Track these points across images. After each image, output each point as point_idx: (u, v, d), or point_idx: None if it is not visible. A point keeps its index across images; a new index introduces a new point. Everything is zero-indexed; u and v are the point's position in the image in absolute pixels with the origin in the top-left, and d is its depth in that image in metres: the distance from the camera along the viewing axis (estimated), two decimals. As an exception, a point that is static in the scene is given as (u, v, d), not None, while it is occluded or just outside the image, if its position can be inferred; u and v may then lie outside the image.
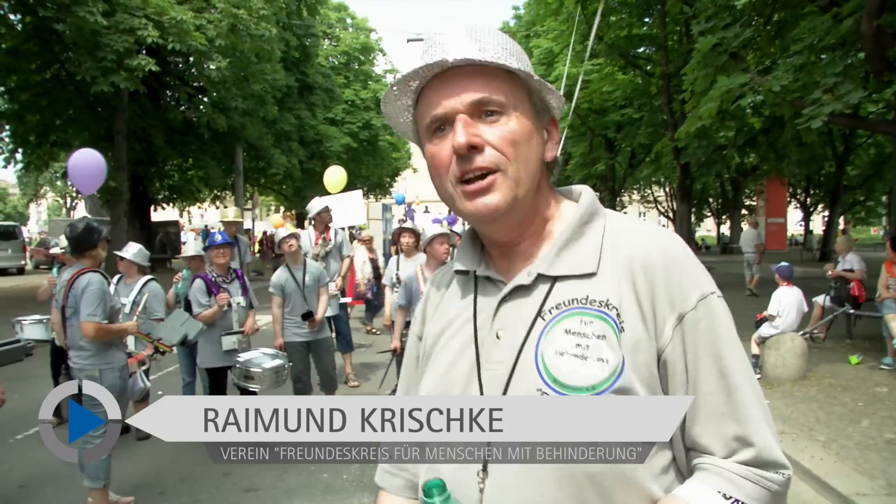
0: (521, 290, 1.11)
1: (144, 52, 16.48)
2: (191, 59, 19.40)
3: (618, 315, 1.03)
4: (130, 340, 5.75)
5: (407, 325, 5.77)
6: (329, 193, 10.79)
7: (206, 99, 21.75)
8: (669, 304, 1.03)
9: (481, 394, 1.08)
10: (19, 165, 21.66)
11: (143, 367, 5.77)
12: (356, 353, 9.09)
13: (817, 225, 42.39)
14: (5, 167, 21.17)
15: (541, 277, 1.10)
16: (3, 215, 53.15)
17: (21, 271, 26.53)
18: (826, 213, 31.23)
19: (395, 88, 1.13)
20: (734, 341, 1.06)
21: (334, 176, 11.31)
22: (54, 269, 7.26)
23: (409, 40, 25.08)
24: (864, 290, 9.96)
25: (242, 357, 5.84)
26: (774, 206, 32.96)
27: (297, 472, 5.43)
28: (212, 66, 18.14)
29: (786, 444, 5.60)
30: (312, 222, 8.59)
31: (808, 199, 34.78)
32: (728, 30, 10.37)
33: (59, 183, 44.17)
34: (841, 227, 32.12)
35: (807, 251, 31.81)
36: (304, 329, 6.46)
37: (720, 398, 1.02)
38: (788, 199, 35.15)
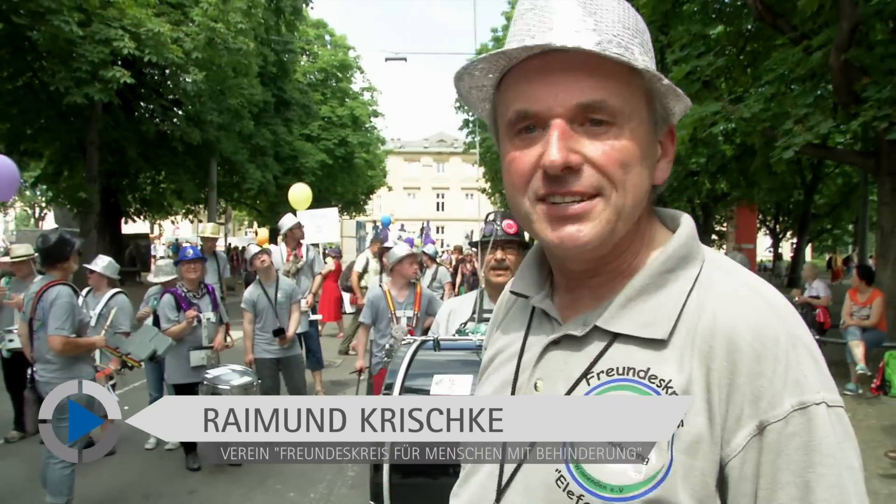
0: (572, 340, 0.91)
1: (120, 63, 16.32)
2: (167, 71, 19.27)
3: None
4: (98, 354, 5.65)
5: (371, 342, 5.78)
6: (290, 210, 10.80)
7: (181, 112, 21.59)
8: (752, 405, 0.77)
9: (503, 449, 0.90)
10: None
11: (111, 382, 5.65)
12: (326, 370, 9.02)
13: (787, 252, 43.24)
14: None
15: (598, 331, 0.89)
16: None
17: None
18: (794, 240, 31.86)
19: (479, 67, 0.89)
20: (838, 474, 0.75)
21: (299, 193, 11.32)
22: (5, 280, 7.10)
23: (387, 59, 25.18)
24: (830, 317, 10.16)
25: (210, 374, 5.76)
26: (744, 232, 33.48)
27: (264, 490, 5.35)
28: (188, 79, 18.03)
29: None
30: (284, 238, 8.55)
31: (778, 226, 35.48)
32: (701, 58, 10.61)
33: (27, 193, 43.37)
34: (808, 255, 32.83)
35: (775, 277, 32.40)
36: (274, 346, 6.41)
37: None
38: (758, 225, 35.81)
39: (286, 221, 8.67)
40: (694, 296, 0.85)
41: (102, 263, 6.28)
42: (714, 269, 0.88)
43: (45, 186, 24.45)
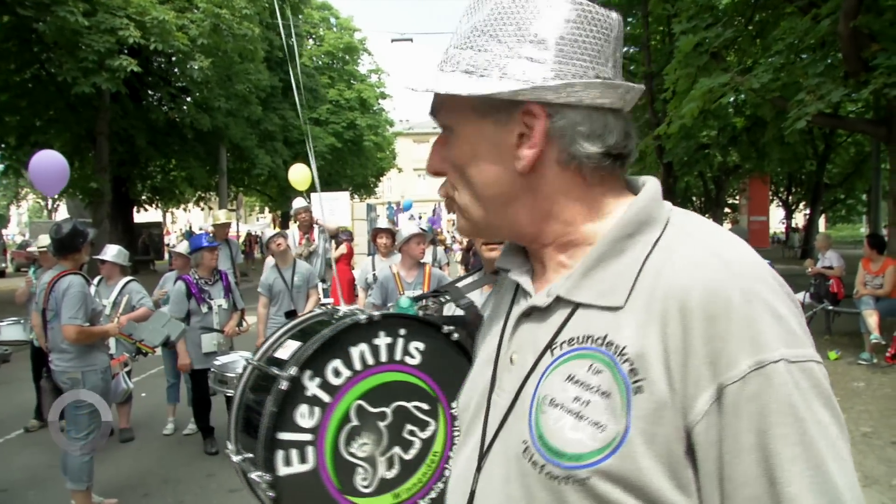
0: (539, 312, 0.92)
1: (126, 52, 16.34)
2: (173, 59, 19.27)
3: (632, 370, 0.77)
4: (112, 342, 5.73)
5: None
6: (301, 193, 10.82)
7: (189, 99, 21.61)
8: (709, 368, 0.74)
9: (485, 421, 0.95)
10: (0, 167, 21.46)
11: (126, 369, 5.74)
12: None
13: (801, 222, 42.91)
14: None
15: (561, 301, 0.89)
16: (-17, 217, 52.50)
17: (1, 274, 26.27)
18: (807, 210, 31.59)
19: None
20: (803, 431, 0.72)
21: (299, 174, 11.34)
22: (31, 270, 7.21)
23: (393, 40, 25.07)
24: (843, 287, 10.10)
25: (220, 360, 5.83)
26: (757, 204, 33.24)
27: (282, 472, 5.42)
28: (194, 66, 18.03)
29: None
30: (297, 222, 8.61)
31: (790, 198, 35.17)
32: (709, 30, 10.48)
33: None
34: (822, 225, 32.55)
35: (789, 248, 32.16)
36: (288, 330, 6.46)
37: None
38: (771, 197, 35.51)
39: (294, 205, 8.73)
40: (653, 260, 0.83)
41: (112, 252, 6.34)
42: (677, 231, 0.86)
43: (57, 178, 24.56)
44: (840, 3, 8.18)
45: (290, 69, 7.13)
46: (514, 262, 1.03)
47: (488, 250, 2.83)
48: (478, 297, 2.92)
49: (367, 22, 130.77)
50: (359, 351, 2.09)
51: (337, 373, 2.08)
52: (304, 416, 2.07)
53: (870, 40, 8.16)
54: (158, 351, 6.05)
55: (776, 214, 43.31)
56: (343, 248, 10.14)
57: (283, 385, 2.03)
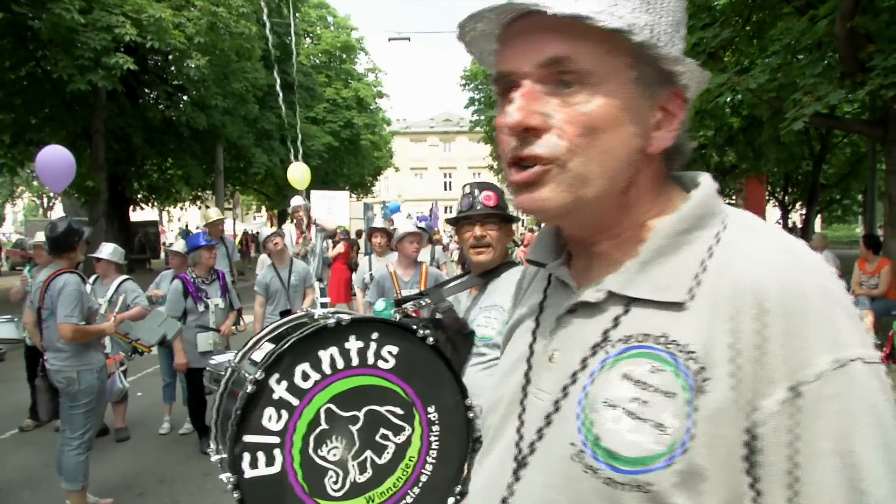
0: (587, 308, 0.87)
1: (122, 50, 16.29)
2: (170, 57, 19.22)
3: (698, 369, 0.74)
4: (108, 341, 5.71)
5: None
6: (298, 191, 10.80)
7: (185, 97, 21.56)
8: (784, 365, 0.71)
9: (521, 423, 0.89)
10: (-6, 165, 21.37)
11: (122, 368, 5.73)
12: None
13: (797, 223, 43.03)
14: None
15: (614, 297, 0.84)
16: (-22, 215, 52.37)
17: (-3, 272, 26.20)
18: (803, 211, 31.66)
19: (477, 31, 0.86)
20: (885, 434, 0.69)
21: (298, 172, 11.33)
22: (27, 268, 7.19)
23: (390, 39, 25.02)
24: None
25: (214, 360, 5.81)
26: (753, 204, 33.28)
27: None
28: (191, 65, 17.99)
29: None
30: (293, 221, 8.60)
31: (787, 198, 35.26)
32: (707, 30, 10.49)
33: (35, 183, 43.57)
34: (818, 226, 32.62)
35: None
36: (284, 329, 6.45)
37: None
38: (767, 197, 35.57)
39: (292, 203, 8.73)
40: (715, 256, 0.80)
41: (108, 250, 6.32)
42: (737, 228, 0.83)
43: (52, 176, 24.47)
44: (837, 4, 8.20)
45: (274, 68, 7.12)
46: (548, 255, 0.98)
47: (476, 253, 2.75)
48: (465, 298, 2.88)
49: (365, 21, 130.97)
50: (328, 355, 2.07)
51: (305, 376, 2.06)
52: (272, 418, 2.06)
53: (866, 41, 8.18)
54: (154, 350, 6.03)
55: (773, 215, 43.38)
56: (340, 247, 10.14)
57: (249, 388, 2.03)
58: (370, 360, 2.09)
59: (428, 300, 2.65)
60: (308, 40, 34.24)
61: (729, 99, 15.21)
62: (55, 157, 8.09)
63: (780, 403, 0.70)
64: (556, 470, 0.81)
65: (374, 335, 2.08)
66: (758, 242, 0.80)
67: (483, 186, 2.79)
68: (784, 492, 0.70)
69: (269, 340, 2.35)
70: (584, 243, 0.91)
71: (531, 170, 0.80)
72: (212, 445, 2.36)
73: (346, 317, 2.08)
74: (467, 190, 2.81)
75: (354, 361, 2.06)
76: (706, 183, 0.88)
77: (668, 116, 0.84)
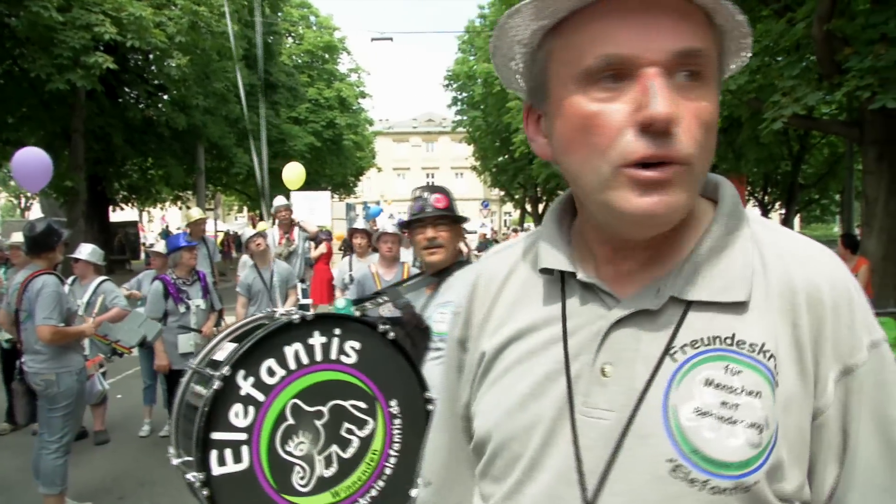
0: (644, 315, 0.82)
1: (102, 49, 16.12)
2: (150, 56, 19.06)
3: (775, 365, 0.77)
4: (87, 343, 5.65)
5: None
6: (289, 191, 10.75)
7: (166, 97, 21.38)
8: (834, 353, 0.78)
9: (576, 444, 0.81)
10: (-29, 165, 21.07)
11: (101, 370, 5.67)
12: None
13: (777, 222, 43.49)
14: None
15: (671, 302, 0.81)
16: (-46, 216, 51.54)
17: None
18: (783, 210, 32.02)
19: (521, 16, 0.78)
20: None
21: (293, 172, 11.27)
22: (1, 270, 7.10)
23: (373, 39, 24.96)
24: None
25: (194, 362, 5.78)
26: (733, 204, 33.76)
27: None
28: (172, 64, 17.84)
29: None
30: (274, 221, 8.56)
31: (766, 198, 35.63)
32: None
33: (12, 183, 42.96)
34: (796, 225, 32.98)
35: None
36: (266, 330, 6.43)
37: (883, 470, 0.79)
38: (747, 196, 35.93)
39: (274, 203, 8.69)
40: (757, 255, 0.82)
41: (87, 251, 6.26)
42: (761, 227, 0.87)
43: (30, 176, 24.18)
44: (814, 6, 8.30)
45: (237, 69, 7.05)
46: (567, 264, 0.89)
47: (429, 254, 2.82)
48: (421, 297, 2.93)
49: (347, 21, 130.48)
50: (293, 350, 2.09)
51: (271, 372, 2.08)
52: (239, 415, 2.07)
53: (843, 44, 8.28)
54: (135, 351, 5.98)
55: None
56: (323, 248, 10.10)
57: (216, 385, 2.03)
58: (333, 356, 2.11)
59: (386, 298, 2.71)
60: (290, 40, 34.08)
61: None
62: (32, 158, 8.00)
63: (835, 384, 0.78)
64: (648, 490, 0.76)
65: (337, 331, 2.11)
66: (791, 242, 0.85)
67: (433, 189, 2.90)
68: (835, 452, 0.79)
69: (230, 340, 2.35)
70: (629, 248, 0.85)
71: (669, 169, 0.73)
72: (171, 450, 2.36)
73: (309, 313, 2.10)
74: (418, 193, 2.90)
75: (318, 357, 2.08)
76: (727, 184, 0.89)
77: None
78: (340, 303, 2.66)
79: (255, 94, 26.87)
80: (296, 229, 8.57)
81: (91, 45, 15.17)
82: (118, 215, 28.53)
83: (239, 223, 40.20)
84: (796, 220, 33.30)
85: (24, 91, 17.33)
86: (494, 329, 0.94)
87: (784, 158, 25.28)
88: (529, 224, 35.89)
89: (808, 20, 8.46)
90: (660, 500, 0.76)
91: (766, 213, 36.35)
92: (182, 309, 5.96)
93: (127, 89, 21.46)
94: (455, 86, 36.31)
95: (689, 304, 0.81)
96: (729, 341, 0.78)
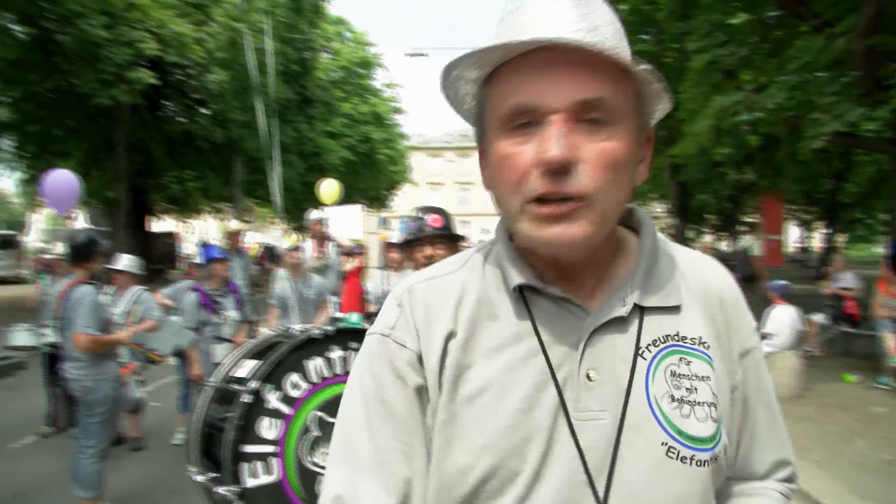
0: (616, 323, 0.92)
1: (144, 64, 16.57)
2: (190, 71, 19.51)
3: (710, 353, 0.95)
4: (124, 351, 5.77)
5: None
6: (323, 205, 10.87)
7: (205, 111, 21.85)
8: (738, 339, 0.99)
9: (578, 448, 0.87)
10: (20, 175, 21.76)
11: (137, 377, 5.78)
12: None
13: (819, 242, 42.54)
14: (8, 177, 21.56)
15: (634, 308, 0.93)
16: (4, 223, 53.10)
17: (18, 280, 26.51)
18: (825, 230, 31.33)
19: (473, 58, 0.85)
20: (767, 369, 1.06)
21: (328, 188, 11.39)
22: (42, 277, 7.29)
23: (408, 55, 25.19)
24: (861, 309, 9.99)
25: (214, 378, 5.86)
26: (771, 222, 33.03)
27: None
28: (211, 79, 18.23)
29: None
30: (309, 234, 8.65)
31: (807, 216, 34.90)
32: (723, 48, 10.47)
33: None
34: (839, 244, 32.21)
35: (804, 268, 31.86)
36: (298, 342, 6.49)
37: (769, 427, 1.03)
38: (786, 215, 35.24)
39: (309, 217, 8.79)
40: (675, 267, 1.00)
41: (125, 261, 6.40)
42: (666, 242, 1.04)
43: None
44: (855, 22, 8.16)
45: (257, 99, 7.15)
46: (534, 280, 0.94)
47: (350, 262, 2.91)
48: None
49: (382, 37, 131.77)
50: (314, 364, 2.15)
51: (296, 385, 2.14)
52: (267, 427, 2.12)
53: (885, 59, 8.13)
54: (169, 360, 6.08)
55: (792, 234, 42.99)
56: (355, 262, 10.17)
57: (247, 398, 2.08)
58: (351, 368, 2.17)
59: None
60: (326, 55, 34.57)
61: (747, 117, 15.14)
62: (61, 181, 8.26)
63: (739, 364, 0.98)
64: (651, 474, 0.87)
65: (354, 344, 2.17)
66: (692, 255, 1.05)
67: (429, 210, 3.03)
68: (741, 419, 0.99)
69: (249, 357, 2.41)
70: (574, 267, 0.94)
71: (569, 205, 0.82)
72: (192, 467, 2.40)
73: (329, 328, 2.16)
74: (415, 214, 3.03)
75: (338, 369, 2.14)
76: (644, 212, 1.04)
77: (646, 152, 0.95)
78: (354, 317, 2.74)
79: (290, 108, 27.33)
80: (329, 243, 8.64)
81: (134, 60, 15.63)
82: (158, 226, 29.13)
83: (274, 235, 40.68)
84: (839, 239, 32.54)
85: (71, 105, 17.88)
86: (458, 348, 0.93)
87: (825, 176, 24.77)
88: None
89: (848, 35, 8.31)
90: (662, 480, 0.87)
91: (806, 232, 35.62)
92: (216, 319, 6.05)
93: (167, 103, 21.98)
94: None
95: (643, 311, 0.94)
96: (677, 338, 0.94)
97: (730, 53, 10.32)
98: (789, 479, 1.06)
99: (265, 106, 19.91)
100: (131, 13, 15.65)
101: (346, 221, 9.74)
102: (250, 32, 18.09)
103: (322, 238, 8.56)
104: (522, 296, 0.95)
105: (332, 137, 30.80)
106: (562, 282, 0.94)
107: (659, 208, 43.24)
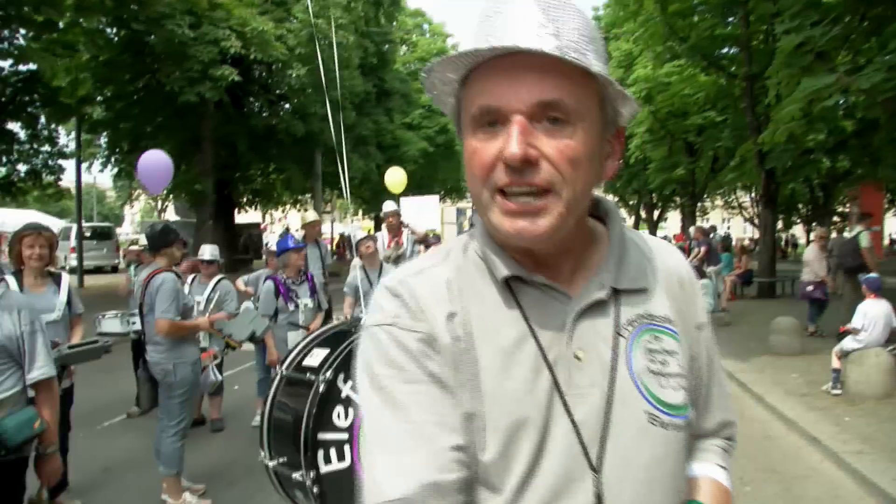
0: (597, 306, 1.00)
1: (228, 62, 17.16)
2: (272, 67, 20.08)
3: (676, 329, 1.05)
4: (206, 337, 6.03)
5: None
6: (394, 195, 10.99)
7: (286, 106, 22.45)
8: (694, 316, 1.11)
9: (573, 422, 0.95)
10: (115, 170, 23.00)
11: (216, 362, 6.02)
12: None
13: (918, 233, 39.93)
14: (101, 171, 22.93)
15: (611, 292, 1.02)
16: (101, 216, 56.31)
17: (115, 269, 28.06)
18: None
19: (448, 63, 0.95)
20: (713, 336, 1.18)
21: (395, 177, 11.51)
22: (131, 267, 7.68)
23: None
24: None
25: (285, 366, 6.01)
26: (870, 212, 31.23)
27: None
28: (292, 74, 18.71)
29: (865, 465, 5.32)
30: (385, 225, 8.77)
31: (907, 206, 32.80)
32: (814, 28, 9.93)
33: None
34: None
35: (904, 261, 29.97)
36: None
37: (718, 392, 1.17)
38: (886, 205, 33.21)
39: (384, 209, 8.90)
40: (641, 251, 1.10)
41: (209, 251, 6.69)
42: (630, 229, 1.14)
43: (165, 180, 26.09)
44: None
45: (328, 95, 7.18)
46: (518, 270, 0.99)
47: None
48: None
49: (460, 28, 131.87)
50: None
51: None
52: (340, 416, 2.15)
53: None
54: (245, 346, 6.30)
55: (891, 224, 40.51)
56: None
57: (321, 388, 2.11)
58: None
59: None
60: (404, 48, 34.88)
61: (842, 101, 14.30)
62: (154, 161, 8.63)
63: (696, 338, 1.10)
64: (638, 441, 0.96)
65: None
66: (654, 240, 1.16)
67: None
68: (698, 387, 1.11)
69: (317, 346, 2.43)
70: (549, 255, 1.01)
71: (536, 202, 0.90)
72: (263, 452, 2.45)
73: None
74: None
75: None
76: (610, 203, 1.14)
77: (615, 149, 1.03)
78: None
79: (369, 100, 27.75)
80: (405, 233, 8.73)
81: (218, 58, 16.20)
82: (242, 217, 30.21)
83: (354, 226, 41.49)
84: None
85: (159, 102, 18.74)
86: (461, 326, 0.98)
87: (928, 162, 23.15)
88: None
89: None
90: (647, 445, 0.96)
91: (907, 221, 33.41)
92: (291, 307, 6.22)
93: (251, 99, 22.70)
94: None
95: (619, 293, 1.03)
96: (648, 317, 1.04)
97: (822, 34, 9.76)
98: (733, 437, 1.23)
99: (331, 102, 20.33)
100: (215, 12, 16.24)
101: (423, 212, 9.82)
102: (328, 28, 18.44)
103: (398, 228, 8.66)
104: (509, 285, 1.01)
105: (410, 129, 31.13)
106: (541, 270, 1.01)
107: (745, 197, 41.67)
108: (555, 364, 0.96)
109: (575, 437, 0.94)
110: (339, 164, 6.00)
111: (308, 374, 2.81)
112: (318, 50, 8.39)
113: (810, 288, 11.64)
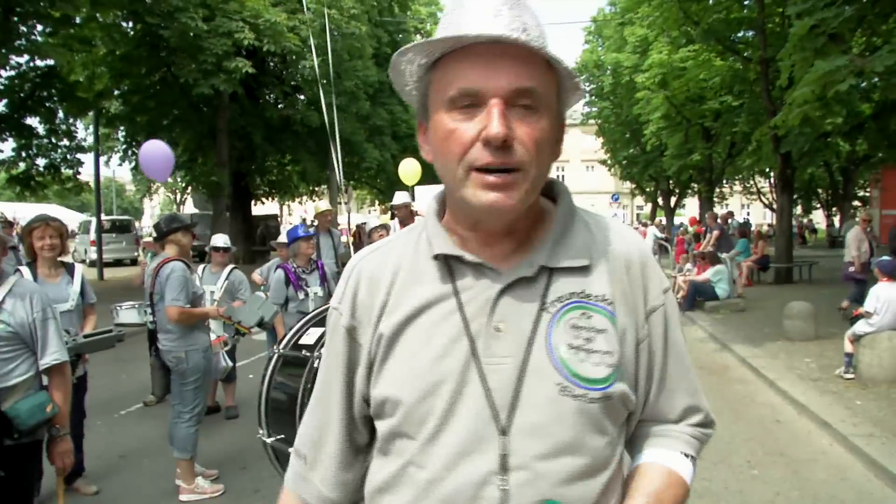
0: (523, 282, 1.07)
1: (243, 54, 17.26)
2: (286, 59, 20.17)
3: (614, 309, 1.07)
4: (218, 324, 6.13)
5: None
6: (407, 186, 11.02)
7: (301, 97, 22.53)
8: (645, 299, 1.13)
9: (485, 387, 1.03)
10: (133, 164, 23.26)
11: (226, 348, 6.13)
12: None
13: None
14: (120, 165, 23.24)
15: (541, 270, 1.07)
16: (121, 210, 56.92)
17: (134, 262, 28.39)
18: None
19: (409, 54, 1.04)
20: (680, 328, 1.20)
21: (409, 168, 11.54)
22: (148, 256, 7.83)
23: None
24: None
25: (282, 345, 6.11)
26: (891, 196, 30.71)
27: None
28: (306, 65, 18.78)
29: (875, 449, 5.31)
30: (395, 216, 8.84)
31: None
32: (827, 10, 9.79)
33: (169, 180, 46.84)
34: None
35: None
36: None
37: (679, 376, 1.18)
38: (907, 188, 32.66)
39: (395, 199, 8.96)
40: (590, 232, 1.13)
41: (221, 240, 6.80)
42: (585, 211, 1.19)
43: (182, 172, 26.37)
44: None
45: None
46: (450, 246, 1.10)
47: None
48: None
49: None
50: None
51: None
52: None
53: None
54: (255, 331, 6.40)
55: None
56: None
57: (316, 363, 2.16)
58: None
59: None
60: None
61: (862, 83, 14.06)
62: (155, 151, 8.74)
63: (646, 321, 1.12)
64: (547, 408, 1.02)
65: None
66: (608, 222, 1.18)
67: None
68: (651, 369, 1.14)
69: (314, 326, 2.49)
70: (497, 233, 1.09)
71: (509, 176, 0.99)
72: (261, 430, 2.52)
73: None
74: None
75: None
76: (563, 185, 1.19)
77: (560, 135, 1.11)
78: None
79: (384, 90, 27.75)
80: (418, 221, 8.80)
81: (232, 50, 16.31)
82: (259, 208, 30.41)
83: (370, 216, 41.64)
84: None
85: (175, 95, 18.92)
86: (390, 313, 1.12)
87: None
88: (661, 218, 34.56)
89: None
90: (555, 414, 1.02)
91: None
92: (301, 295, 6.30)
93: (265, 91, 22.81)
94: (583, 77, 35.59)
95: (552, 272, 1.08)
96: (582, 295, 1.07)
97: (835, 15, 9.62)
98: (704, 425, 1.21)
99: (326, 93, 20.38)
100: (228, 4, 16.34)
101: (433, 201, 9.86)
102: (341, 18, 18.48)
103: (409, 219, 8.72)
104: (447, 264, 1.11)
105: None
106: (484, 248, 1.10)
107: (764, 183, 41.14)
108: (476, 335, 1.05)
109: (486, 401, 1.03)
110: (331, 148, 6.03)
111: (303, 352, 2.87)
112: (328, 41, 8.43)
113: (852, 269, 11.55)
